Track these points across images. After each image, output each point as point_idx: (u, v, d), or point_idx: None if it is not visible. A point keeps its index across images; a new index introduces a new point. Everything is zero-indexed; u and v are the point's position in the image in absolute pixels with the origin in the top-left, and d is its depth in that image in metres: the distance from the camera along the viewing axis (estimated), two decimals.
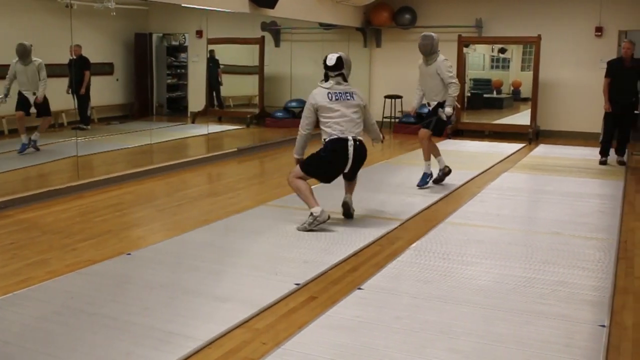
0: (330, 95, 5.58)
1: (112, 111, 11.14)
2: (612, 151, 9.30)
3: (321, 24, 12.72)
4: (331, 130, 5.54)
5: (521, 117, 12.99)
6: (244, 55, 12.90)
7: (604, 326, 3.61)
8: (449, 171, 7.50)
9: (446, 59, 7.13)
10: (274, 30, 13.37)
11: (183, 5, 8.68)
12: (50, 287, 4.11)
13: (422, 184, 7.25)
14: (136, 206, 6.58)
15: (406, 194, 6.79)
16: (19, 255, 4.77)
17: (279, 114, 12.97)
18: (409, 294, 4.07)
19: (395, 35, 13.47)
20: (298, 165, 5.64)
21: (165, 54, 12.26)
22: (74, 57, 9.42)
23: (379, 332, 3.48)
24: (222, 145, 10.63)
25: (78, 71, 9.79)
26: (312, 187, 5.67)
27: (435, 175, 7.43)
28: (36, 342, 3.31)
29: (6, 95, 8.20)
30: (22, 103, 8.30)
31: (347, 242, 5.18)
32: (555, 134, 12.26)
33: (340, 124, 5.52)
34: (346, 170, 5.63)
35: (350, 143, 5.50)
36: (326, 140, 5.57)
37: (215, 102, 12.35)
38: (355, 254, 4.90)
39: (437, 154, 7.50)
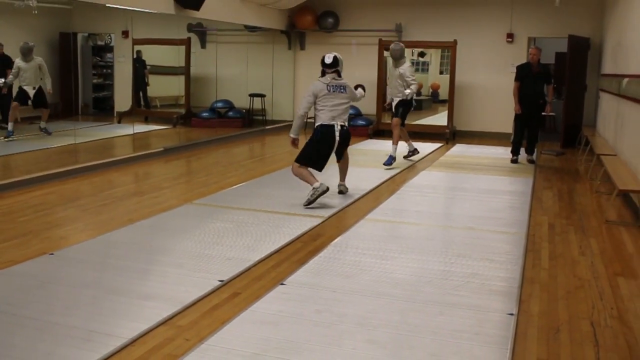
0: (329, 87, 6.64)
1: (36, 111, 10.85)
2: (522, 150, 9.72)
3: (246, 26, 12.76)
4: (323, 116, 6.61)
5: (439, 118, 13.33)
6: (171, 56, 12.79)
7: (512, 314, 3.80)
8: (417, 152, 9.75)
9: (411, 66, 9.21)
10: (200, 31, 13.33)
11: (108, 5, 8.58)
12: None
13: (387, 163, 8.93)
14: (59, 206, 6.47)
15: (329, 192, 6.91)
16: None
17: (205, 114, 12.95)
18: (330, 289, 4.18)
19: (319, 38, 13.65)
20: (296, 161, 6.58)
21: (91, 54, 12.03)
22: None
23: (300, 326, 3.57)
24: (148, 145, 10.53)
25: (0, 70, 9.53)
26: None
27: (406, 154, 9.60)
28: None
29: (4, 84, 9.20)
30: (21, 96, 9.34)
31: (270, 239, 5.27)
32: (470, 134, 12.72)
33: (332, 111, 6.60)
34: (334, 150, 6.69)
35: (337, 128, 6.59)
36: (317, 125, 6.64)
37: (142, 102, 12.22)
38: (278, 251, 4.99)
39: (406, 139, 9.58)
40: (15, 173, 7.61)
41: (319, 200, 6.49)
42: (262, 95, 13.53)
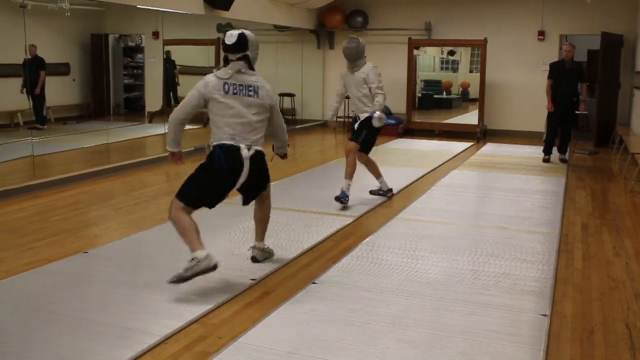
0: (227, 86, 4.26)
1: (69, 111, 11.07)
2: (554, 149, 9.62)
3: (276, 26, 12.83)
4: (220, 133, 4.27)
5: (469, 117, 13.32)
6: (200, 56, 12.92)
7: (545, 315, 3.78)
8: (391, 195, 6.94)
9: (375, 67, 6.45)
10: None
11: (138, 6, 8.69)
12: (7, 285, 4.14)
13: (342, 196, 6.37)
14: (93, 205, 6.59)
15: (360, 191, 6.92)
16: None
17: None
18: (362, 288, 4.20)
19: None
20: (176, 196, 4.25)
21: (122, 55, 12.22)
22: (29, 57, 9.34)
23: (333, 325, 3.59)
24: None
25: (33, 71, 9.71)
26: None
27: (372, 189, 6.99)
28: None
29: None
30: None
31: (301, 238, 5.30)
32: (501, 133, 12.63)
33: (232, 126, 4.25)
34: (237, 187, 4.35)
35: (245, 153, 4.24)
36: (214, 144, 4.29)
37: (172, 102, 12.37)
38: (309, 250, 5.03)
39: (377, 174, 6.87)
40: (50, 173, 7.74)
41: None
42: (291, 95, 13.58)
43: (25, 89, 9.69)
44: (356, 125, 6.56)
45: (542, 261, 4.82)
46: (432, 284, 4.28)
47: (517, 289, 4.22)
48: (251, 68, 4.35)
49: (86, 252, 4.84)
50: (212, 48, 12.73)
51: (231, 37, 4.25)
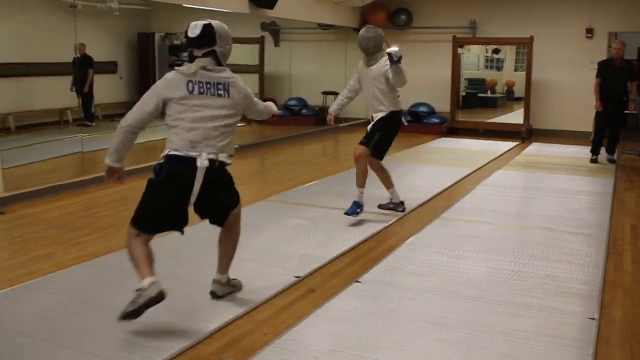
0: (191, 85, 3.54)
1: (116, 108, 11.27)
2: (602, 150, 9.43)
3: (319, 24, 12.86)
4: (177, 139, 3.54)
5: (514, 116, 13.14)
6: (245, 55, 13.04)
7: (593, 319, 3.70)
8: (403, 210, 6.12)
9: None
10: (274, 30, 13.54)
11: (184, 5, 8.81)
12: (57, 278, 4.25)
13: (351, 212, 5.71)
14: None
15: (403, 190, 6.86)
16: (25, 249, 4.92)
17: (279, 112, 13.12)
18: (404, 287, 4.19)
19: (391, 35, 13.50)
20: (131, 222, 3.72)
21: (168, 53, 12.36)
22: (78, 56, 9.55)
23: (375, 324, 3.60)
24: None
25: (82, 69, 9.93)
26: None
27: (381, 203, 6.16)
28: (45, 332, 3.43)
29: None
30: None
31: (345, 237, 5.29)
32: (547, 132, 12.40)
33: (193, 131, 3.52)
34: (191, 203, 3.64)
35: (201, 164, 3.51)
36: (167, 154, 3.62)
37: None
38: (353, 249, 5.02)
39: (388, 184, 6.05)
40: (98, 169, 7.88)
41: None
42: (335, 93, 13.56)
43: (74, 87, 9.93)
44: (369, 127, 5.79)
45: (590, 263, 4.72)
46: (474, 285, 4.24)
47: (563, 291, 4.15)
48: (219, 64, 3.64)
49: None
50: (256, 46, 12.87)
51: (195, 28, 3.57)
